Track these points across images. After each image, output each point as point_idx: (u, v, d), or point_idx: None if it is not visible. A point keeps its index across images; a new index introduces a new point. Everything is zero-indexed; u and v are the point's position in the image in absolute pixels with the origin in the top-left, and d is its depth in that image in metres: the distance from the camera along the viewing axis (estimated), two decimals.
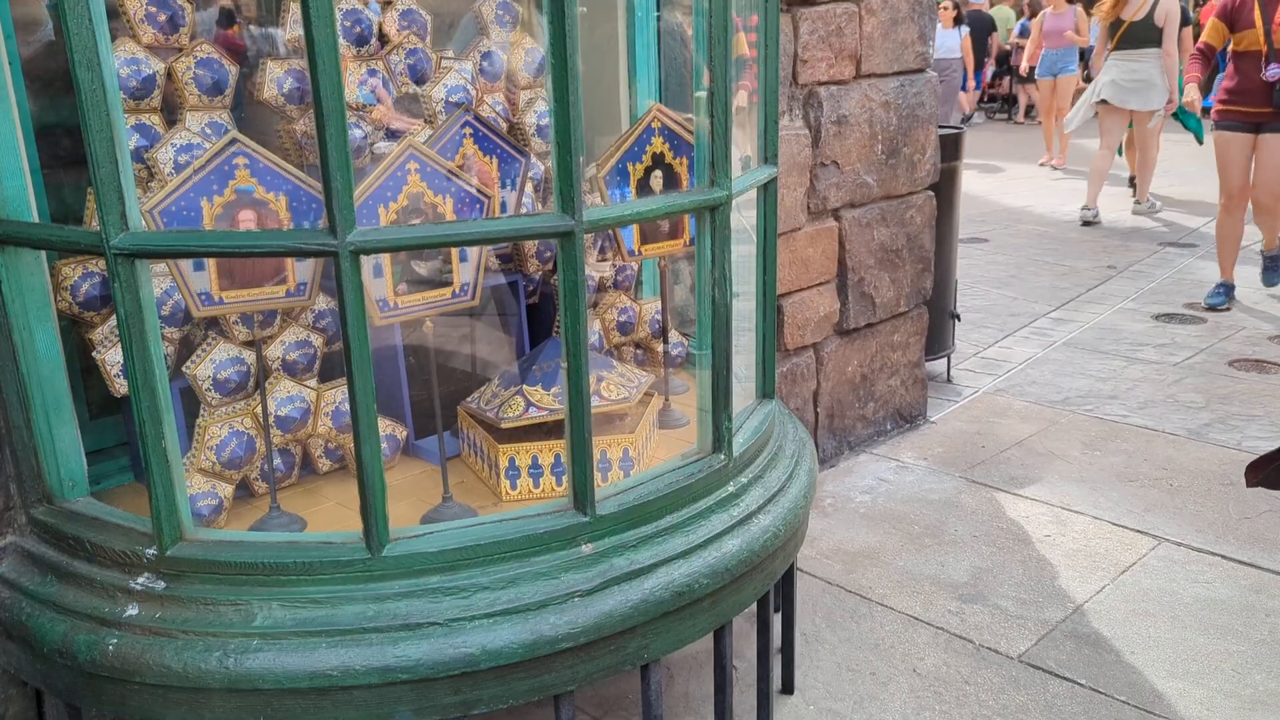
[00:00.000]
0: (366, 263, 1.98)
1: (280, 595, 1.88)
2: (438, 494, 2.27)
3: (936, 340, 4.84)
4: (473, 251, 2.09)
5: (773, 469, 2.43)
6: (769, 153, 2.48)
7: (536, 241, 2.69)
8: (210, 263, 1.96)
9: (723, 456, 2.25)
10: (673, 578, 2.05)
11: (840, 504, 3.77)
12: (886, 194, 4.14)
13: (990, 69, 16.35)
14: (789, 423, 2.72)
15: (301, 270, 2.06)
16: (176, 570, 1.90)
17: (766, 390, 2.62)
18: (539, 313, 2.85)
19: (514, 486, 2.24)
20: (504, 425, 2.24)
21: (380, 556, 1.88)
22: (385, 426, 2.38)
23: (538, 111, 2.82)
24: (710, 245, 2.15)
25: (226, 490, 2.13)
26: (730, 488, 2.27)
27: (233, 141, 1.94)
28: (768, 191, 2.48)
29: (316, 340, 2.29)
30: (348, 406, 2.34)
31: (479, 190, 2.08)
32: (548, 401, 2.27)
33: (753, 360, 2.62)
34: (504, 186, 2.42)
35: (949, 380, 5.05)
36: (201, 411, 2.16)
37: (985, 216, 9.19)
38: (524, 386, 2.28)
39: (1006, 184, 11.03)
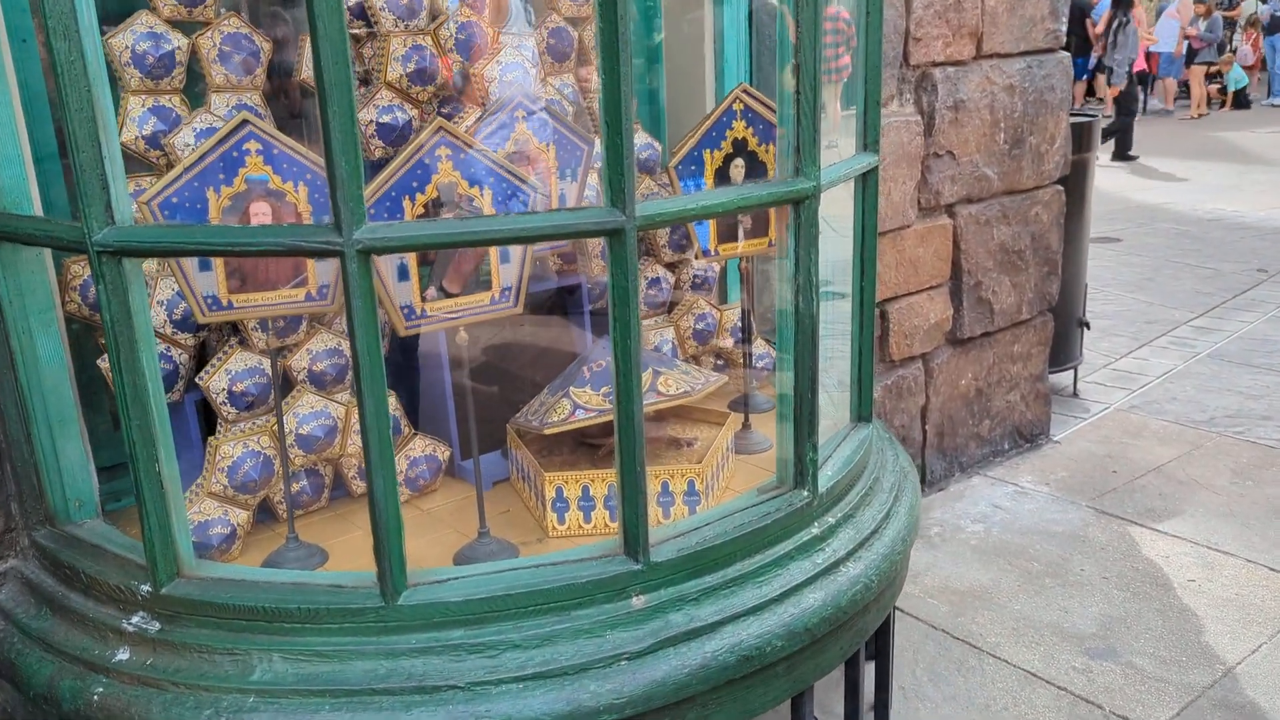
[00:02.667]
0: (388, 263, 1.72)
1: (282, 646, 1.64)
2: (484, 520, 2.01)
3: (1062, 350, 4.37)
4: (515, 251, 1.81)
5: (866, 506, 2.09)
6: (869, 139, 2.13)
7: (601, 240, 2.40)
8: (218, 263, 1.73)
9: (805, 493, 1.92)
10: (740, 638, 1.74)
11: (949, 533, 3.38)
12: (1008, 188, 3.72)
13: (1094, 56, 15.33)
14: (888, 449, 2.36)
15: (323, 271, 1.81)
16: (171, 611, 1.68)
17: (863, 413, 2.27)
18: (605, 319, 2.56)
19: (561, 520, 1.96)
20: (547, 431, 1.95)
21: (395, 605, 1.62)
22: (425, 446, 2.12)
23: None
24: (794, 245, 1.82)
25: (241, 516, 1.91)
26: (814, 529, 1.94)
27: (243, 124, 1.70)
28: (867, 183, 2.13)
29: (348, 348, 2.04)
30: None
31: (524, 181, 1.80)
32: (596, 402, 1.98)
33: (846, 374, 2.28)
34: (563, 178, 2.13)
35: (1075, 395, 4.57)
36: (218, 427, 1.94)
37: (1116, 214, 8.53)
38: (571, 389, 1.99)
39: (1140, 179, 10.28)
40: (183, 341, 1.93)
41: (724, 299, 2.87)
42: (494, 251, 1.79)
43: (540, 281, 2.40)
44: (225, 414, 1.92)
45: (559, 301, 2.43)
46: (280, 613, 1.64)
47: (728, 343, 2.61)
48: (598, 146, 2.40)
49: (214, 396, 1.89)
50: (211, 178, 1.69)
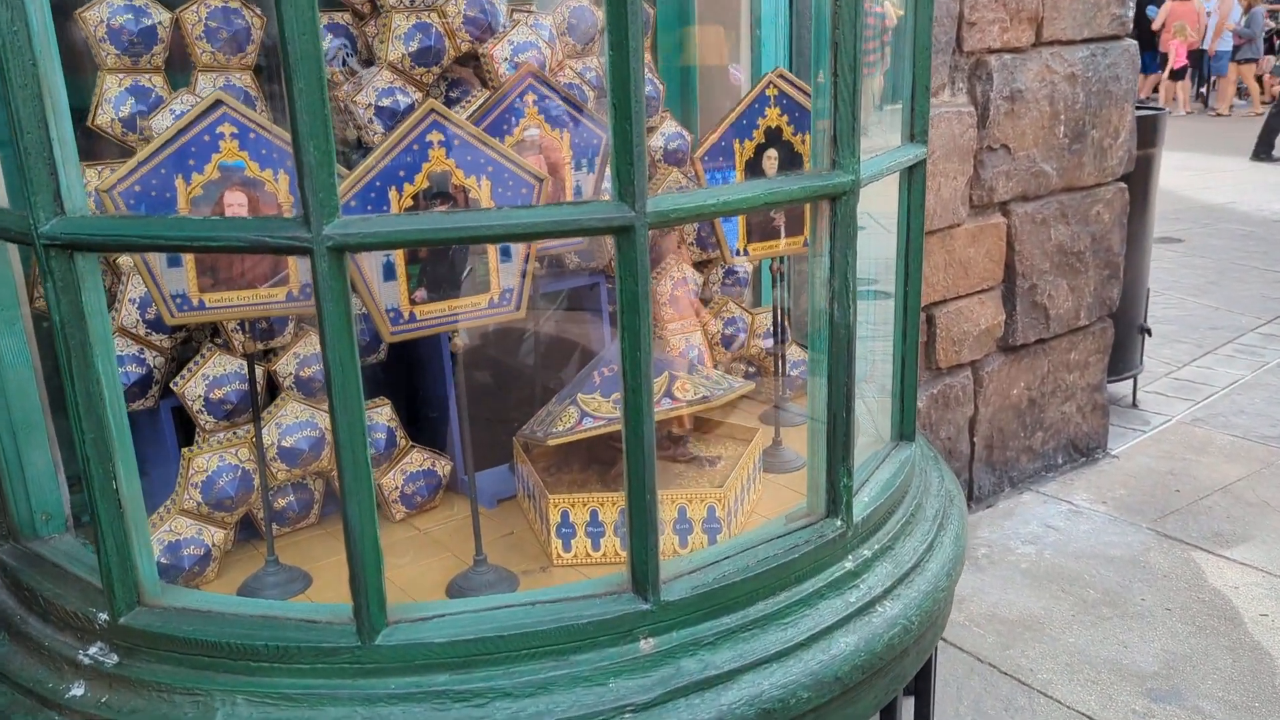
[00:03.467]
0: (372, 261, 1.54)
1: (248, 687, 1.47)
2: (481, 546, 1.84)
3: (1121, 358, 4.11)
4: (518, 250, 1.63)
5: (907, 537, 1.88)
6: (917, 129, 1.92)
7: None
8: (188, 259, 1.57)
9: (839, 522, 1.72)
10: (761, 689, 1.54)
11: (997, 555, 3.15)
12: (1068, 185, 3.47)
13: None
14: (932, 469, 2.15)
15: (306, 270, 1.64)
16: (130, 643, 1.52)
17: (905, 431, 2.06)
18: None
19: (567, 548, 1.77)
20: (550, 442, 1.77)
21: (373, 645, 1.45)
22: (423, 460, 1.95)
23: None
24: (829, 246, 1.62)
25: (217, 536, 1.74)
26: (847, 564, 1.73)
27: (217, 104, 1.53)
28: (914, 178, 1.92)
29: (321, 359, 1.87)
30: (373, 436, 1.93)
31: (530, 172, 1.61)
32: (606, 410, 1.79)
33: (888, 380, 2.07)
34: (578, 169, 1.94)
35: (1134, 405, 4.31)
36: (196, 438, 1.78)
37: (1179, 214, 8.18)
38: (579, 395, 1.80)
39: (1204, 178, 9.88)
40: (157, 343, 1.77)
41: (758, 301, 2.66)
42: (493, 250, 1.61)
43: (557, 280, 2.22)
44: (203, 423, 1.76)
45: (577, 302, 2.24)
46: (246, 650, 1.47)
47: (757, 349, 2.40)
48: None
49: (190, 404, 1.73)
50: (180, 164, 1.52)
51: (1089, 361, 3.75)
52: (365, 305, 1.53)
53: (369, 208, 1.50)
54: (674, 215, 1.42)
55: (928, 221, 3.05)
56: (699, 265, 2.35)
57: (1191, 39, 14.64)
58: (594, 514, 1.75)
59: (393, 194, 1.51)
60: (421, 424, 2.07)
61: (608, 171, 2.03)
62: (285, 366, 1.83)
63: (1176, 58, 14.66)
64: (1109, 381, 3.93)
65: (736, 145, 1.94)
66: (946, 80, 3.07)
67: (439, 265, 1.57)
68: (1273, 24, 16.48)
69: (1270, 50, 16.24)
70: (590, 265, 2.25)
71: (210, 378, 1.73)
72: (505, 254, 1.61)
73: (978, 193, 3.21)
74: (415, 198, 1.53)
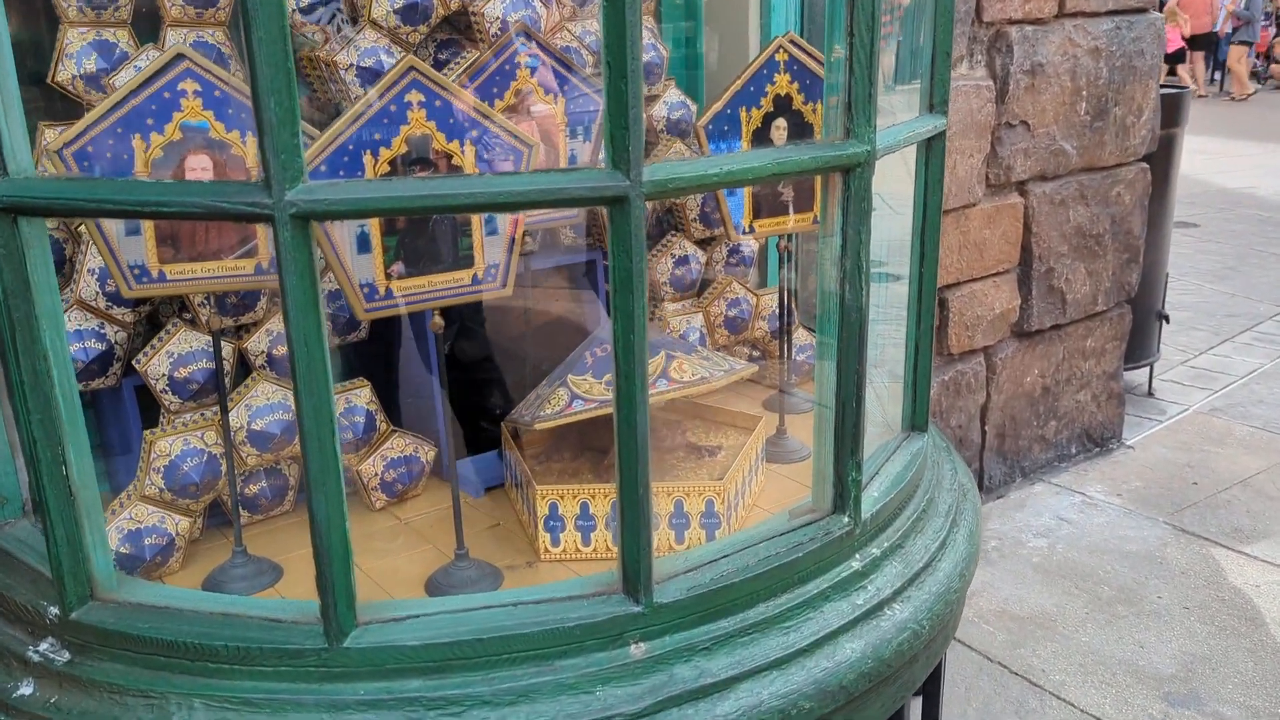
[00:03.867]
0: (345, 232, 1.42)
1: (206, 690, 1.36)
2: (468, 533, 1.73)
3: (1138, 345, 3.98)
4: (505, 222, 1.51)
5: (918, 534, 1.77)
6: (937, 98, 1.79)
7: None
8: (147, 226, 1.45)
9: (846, 519, 1.60)
10: (760, 698, 1.43)
11: (1008, 548, 3.04)
12: (1088, 165, 3.33)
13: None
14: (945, 461, 2.04)
15: None
16: (82, 640, 1.42)
17: (918, 421, 1.95)
18: None
19: (555, 542, 1.66)
20: (538, 426, 1.66)
21: (341, 648, 1.34)
22: (405, 446, 1.84)
23: (644, 44, 2.20)
24: (841, 222, 1.50)
25: (181, 524, 1.63)
26: (855, 563, 1.62)
27: (178, 59, 1.41)
28: (932, 150, 1.80)
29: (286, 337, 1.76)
30: (352, 420, 1.82)
31: (519, 137, 1.49)
32: (598, 392, 1.68)
33: (900, 365, 1.96)
34: (573, 136, 1.82)
35: (1150, 394, 4.18)
36: (161, 419, 1.66)
37: (1194, 198, 8.01)
38: (570, 376, 1.69)
39: (1219, 161, 9.70)
40: (119, 317, 1.65)
41: (765, 282, 2.54)
42: (477, 222, 1.49)
43: (551, 255, 2.10)
44: (167, 404, 1.64)
45: (574, 279, 2.12)
46: (204, 650, 1.36)
47: (763, 332, 2.29)
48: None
49: (153, 383, 1.62)
50: (138, 123, 1.40)
51: (1106, 348, 3.63)
52: (337, 279, 1.41)
53: (341, 173, 1.38)
54: (672, 185, 1.29)
55: (942, 201, 2.92)
56: (702, 243, 2.23)
57: (1187, 23, 14.46)
58: (584, 506, 1.64)
59: (367, 159, 1.39)
60: (406, 407, 1.96)
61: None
62: (257, 344, 1.71)
63: (1169, 41, 14.46)
64: (1124, 369, 3.81)
65: (743, 114, 1.81)
66: (965, 52, 2.94)
67: (418, 237, 1.45)
68: (1271, 5, 16.25)
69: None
70: (587, 241, 2.13)
71: (175, 355, 1.62)
72: (491, 227, 1.49)
73: (995, 171, 3.08)
74: (393, 163, 1.41)
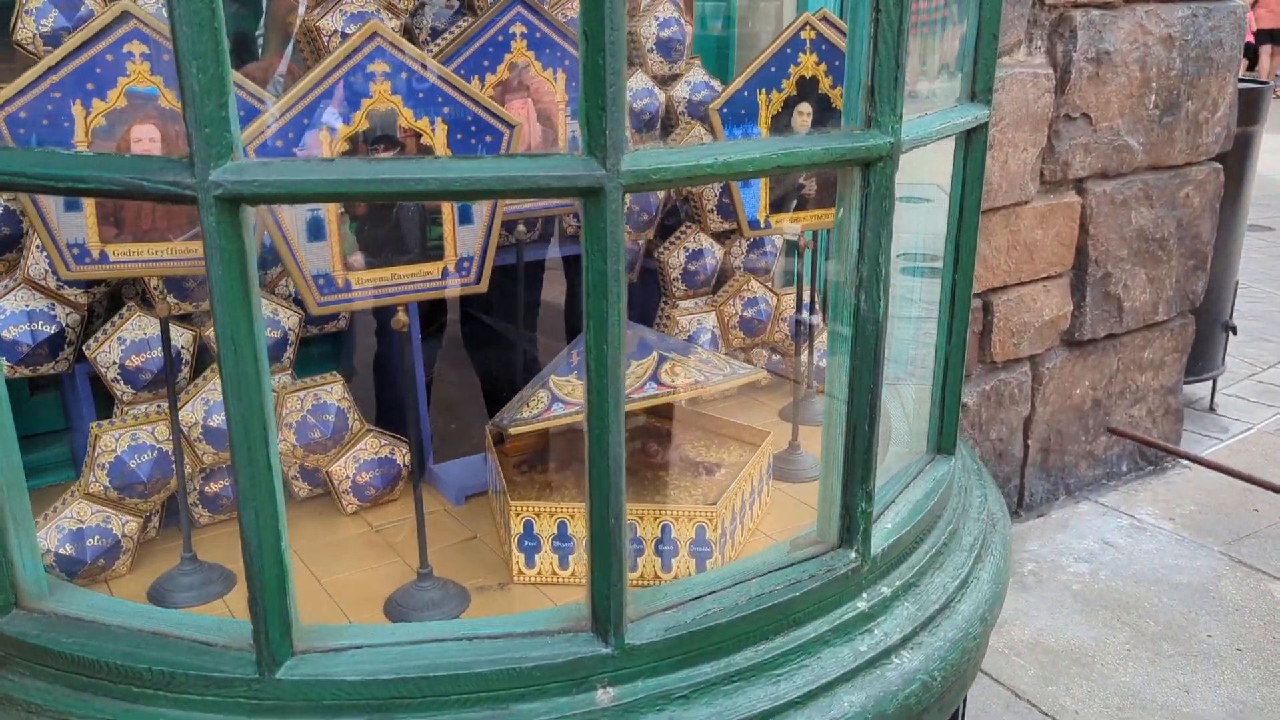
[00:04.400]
0: (291, 216, 1.28)
1: (127, 717, 1.24)
2: (440, 547, 1.60)
3: (1200, 357, 3.73)
4: (480, 211, 1.35)
5: (936, 570, 1.59)
6: (979, 86, 1.60)
7: (626, 200, 1.92)
8: (88, 203, 1.32)
9: (853, 555, 1.44)
10: None
11: (1046, 573, 2.84)
12: (1154, 163, 3.10)
13: None
14: (974, 487, 1.85)
15: None
16: (3, 651, 1.30)
17: (945, 443, 1.77)
18: (634, 295, 2.09)
19: (530, 563, 1.51)
20: (512, 430, 1.51)
21: (272, 679, 1.20)
22: (378, 447, 1.70)
23: (659, 18, 2.03)
24: (857, 223, 1.32)
25: (130, 525, 1.51)
26: (860, 604, 1.45)
27: (124, 18, 1.28)
28: (972, 144, 1.61)
29: (289, 319, 1.63)
30: (321, 418, 1.68)
31: (499, 116, 1.33)
32: (580, 395, 1.53)
33: (930, 371, 1.78)
34: (574, 116, 1.66)
35: (1212, 410, 3.93)
36: (114, 410, 1.54)
37: (1269, 199, 7.62)
38: (552, 377, 1.54)
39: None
40: (71, 298, 1.53)
41: (791, 281, 2.36)
42: (448, 210, 1.34)
43: (542, 246, 1.94)
44: (119, 394, 1.52)
45: (573, 271, 1.97)
46: (128, 672, 1.24)
47: (783, 335, 2.11)
48: (631, 80, 1.93)
49: (104, 371, 1.50)
50: (78, 88, 1.27)
51: (1165, 361, 3.39)
52: (287, 268, 1.27)
53: (294, 150, 1.24)
54: (657, 176, 1.13)
55: (990, 198, 2.72)
56: (720, 236, 2.06)
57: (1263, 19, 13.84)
58: (563, 527, 1.49)
59: (324, 136, 1.25)
60: (387, 404, 1.82)
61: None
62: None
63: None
64: (1185, 382, 3.57)
65: (761, 97, 1.64)
66: (1023, 37, 2.72)
67: (380, 225, 1.30)
68: None
69: None
70: None
71: (127, 342, 1.50)
72: (464, 215, 1.34)
73: (1050, 167, 2.86)
74: (354, 141, 1.26)
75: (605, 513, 1.21)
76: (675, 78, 2.10)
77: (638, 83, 2.03)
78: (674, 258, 1.98)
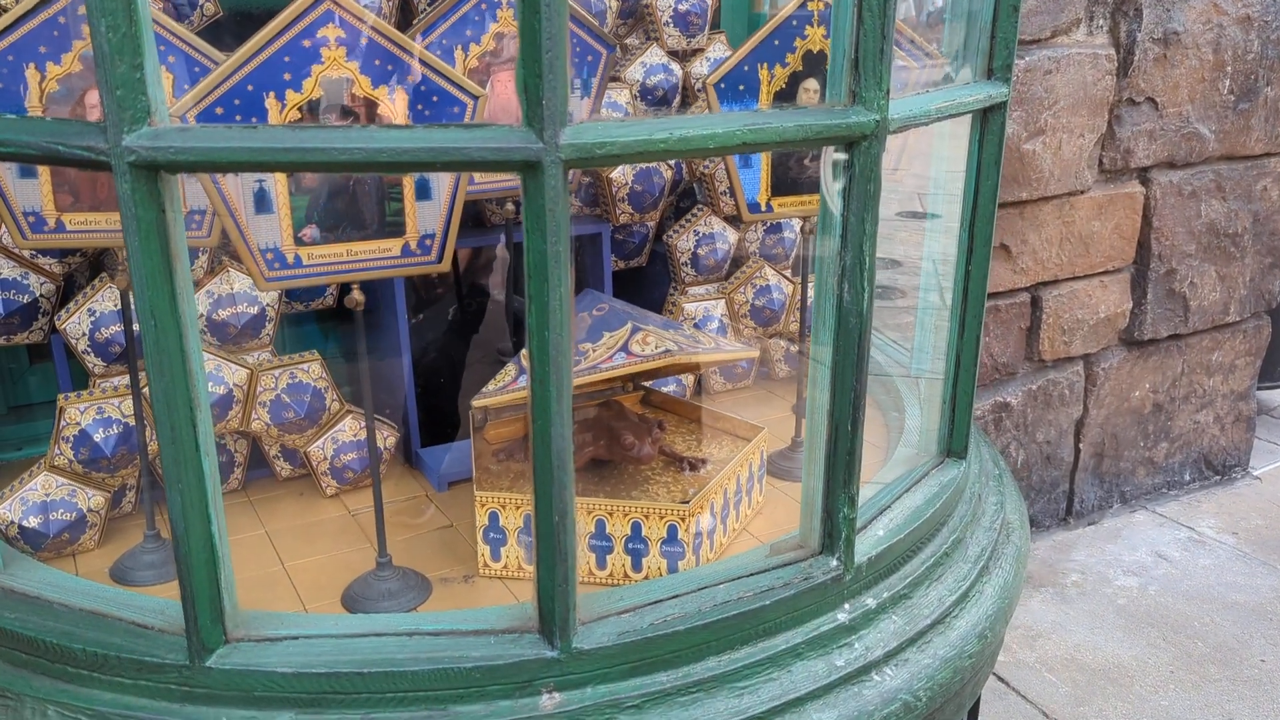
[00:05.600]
0: (241, 187, 1.23)
1: (63, 697, 1.21)
2: (411, 535, 1.55)
3: (1275, 361, 3.50)
4: (441, 186, 1.29)
5: (933, 583, 1.49)
6: (996, 61, 1.48)
7: (627, 179, 1.84)
8: (42, 169, 1.29)
9: (834, 562, 1.34)
10: None
11: (1090, 585, 2.68)
12: (1228, 152, 2.89)
13: None
14: (990, 494, 1.74)
15: (197, 193, 1.34)
16: None
17: (955, 445, 1.65)
18: (642, 280, 2.01)
19: (496, 555, 1.45)
20: (475, 404, 1.45)
21: (203, 667, 1.16)
22: (358, 429, 1.65)
23: None
24: (841, 206, 1.22)
25: (95, 500, 1.49)
26: (840, 615, 1.36)
27: None
28: (988, 126, 1.49)
29: (266, 294, 1.59)
30: (297, 397, 1.64)
31: (461, 86, 1.26)
32: None
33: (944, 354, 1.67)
34: (570, 90, 1.58)
35: None
36: (89, 382, 1.52)
37: None
38: (523, 351, 1.47)
39: None
40: (46, 267, 1.51)
41: (811, 267, 2.25)
42: (408, 183, 1.27)
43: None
44: (90, 366, 1.50)
45: (576, 252, 1.90)
46: (64, 652, 1.21)
47: (796, 325, 2.01)
48: (645, 55, 1.85)
49: (74, 343, 1.48)
50: (30, 51, 1.24)
51: (1236, 364, 3.18)
52: (232, 241, 1.22)
53: (237, 118, 1.18)
54: (602, 151, 1.05)
55: (1041, 185, 2.57)
56: (733, 219, 1.96)
57: None
58: (529, 519, 1.42)
59: (271, 102, 1.19)
60: (374, 385, 1.77)
61: (608, 96, 1.67)
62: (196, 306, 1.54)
63: None
64: (1259, 388, 3.35)
65: (763, 71, 1.54)
66: (1083, 15, 2.55)
67: (335, 198, 1.25)
68: None
69: None
70: (594, 211, 1.89)
71: (98, 313, 1.47)
72: (423, 190, 1.28)
73: (1110, 154, 2.69)
74: (304, 109, 1.20)
75: (549, 509, 1.13)
76: (696, 52, 2.01)
77: (652, 58, 1.94)
78: (683, 241, 1.90)
